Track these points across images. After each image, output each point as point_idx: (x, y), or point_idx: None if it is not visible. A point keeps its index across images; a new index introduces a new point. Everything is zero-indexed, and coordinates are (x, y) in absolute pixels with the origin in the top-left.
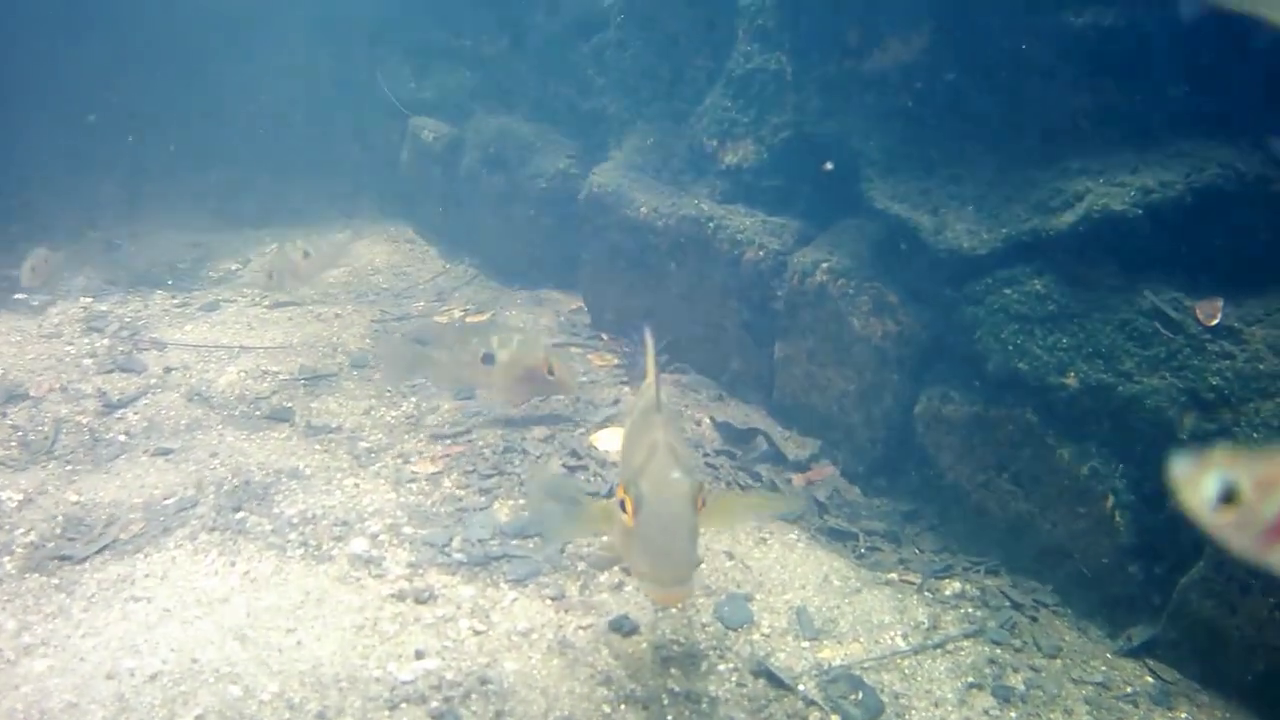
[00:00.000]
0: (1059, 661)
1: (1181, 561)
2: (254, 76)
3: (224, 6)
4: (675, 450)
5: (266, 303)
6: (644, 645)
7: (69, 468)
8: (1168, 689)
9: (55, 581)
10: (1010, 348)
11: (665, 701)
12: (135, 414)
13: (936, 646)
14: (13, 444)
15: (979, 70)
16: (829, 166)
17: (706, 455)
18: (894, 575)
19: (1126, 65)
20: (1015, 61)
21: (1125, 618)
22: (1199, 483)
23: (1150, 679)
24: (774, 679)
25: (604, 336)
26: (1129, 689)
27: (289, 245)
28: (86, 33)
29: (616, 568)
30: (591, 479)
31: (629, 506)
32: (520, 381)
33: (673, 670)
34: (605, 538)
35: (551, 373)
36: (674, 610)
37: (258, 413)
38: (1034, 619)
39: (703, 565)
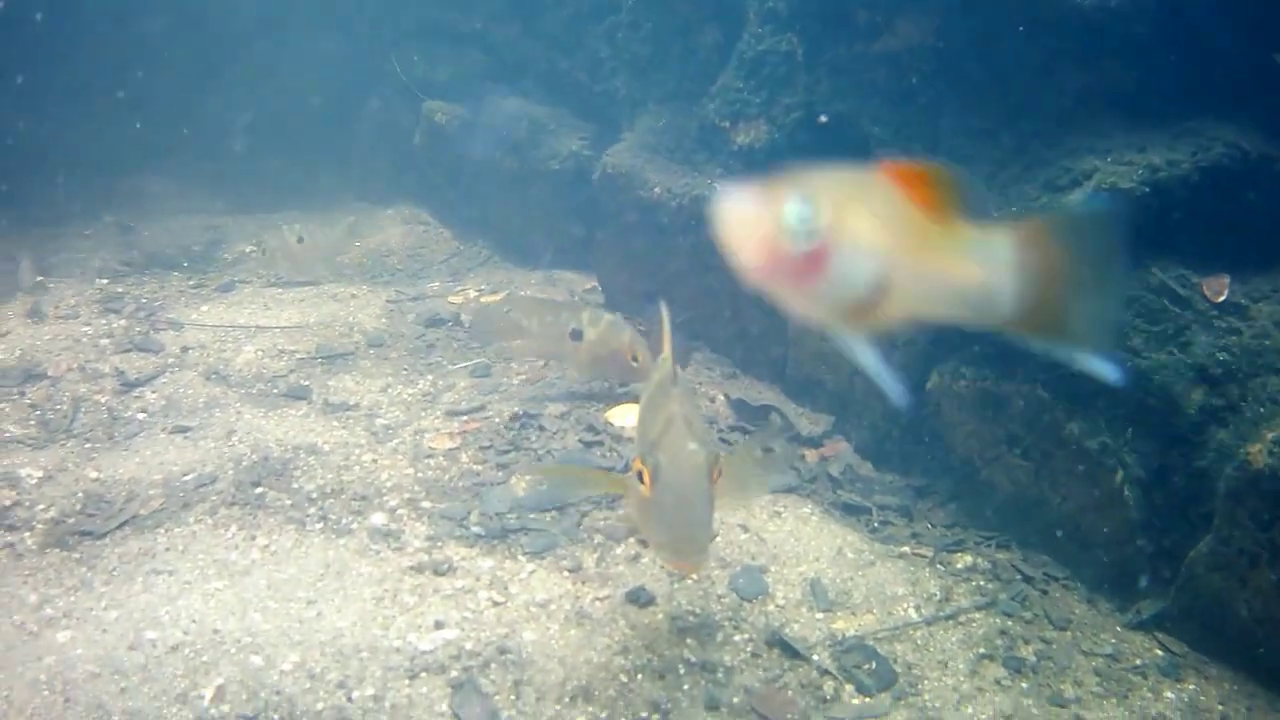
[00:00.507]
0: (1069, 634)
1: (1190, 535)
2: (267, 60)
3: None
4: (691, 422)
5: (263, 282)
6: (660, 616)
7: (88, 445)
8: (1177, 661)
9: (76, 556)
10: None
11: (681, 671)
12: (153, 393)
13: (949, 618)
14: (32, 422)
15: (988, 52)
16: (823, 119)
17: (721, 431)
18: (906, 549)
19: (1134, 45)
20: (1024, 42)
21: (1134, 591)
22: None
23: (1159, 651)
24: (788, 649)
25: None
26: (1138, 661)
27: (286, 229)
28: (98, 21)
29: (633, 539)
30: (607, 454)
31: (646, 477)
32: (602, 361)
33: (688, 640)
34: (622, 510)
35: (635, 359)
36: (690, 579)
37: (275, 391)
38: (1044, 592)
39: (718, 537)
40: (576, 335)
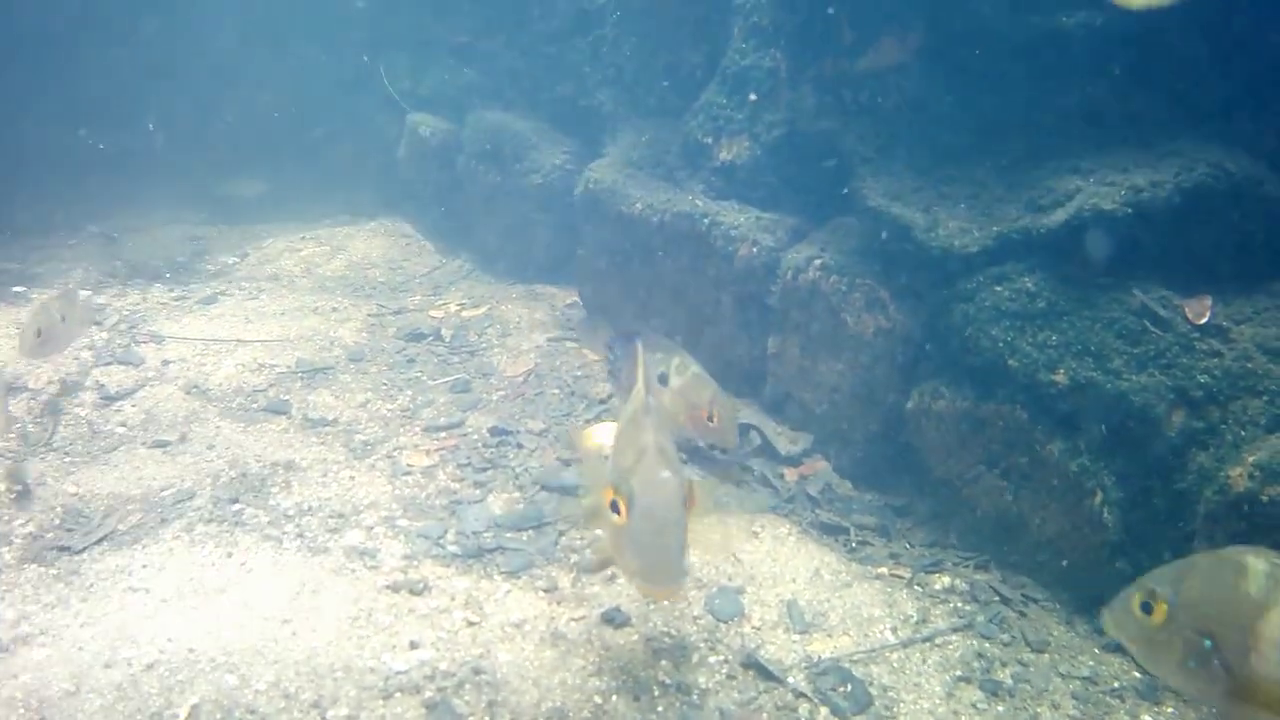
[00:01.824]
0: (1047, 656)
1: (1170, 557)
2: (252, 71)
3: (223, 3)
4: (664, 450)
5: (245, 295)
6: (635, 637)
7: (68, 459)
8: (1155, 684)
9: (54, 572)
10: (1001, 345)
11: (656, 693)
12: (133, 406)
13: (925, 640)
14: (11, 435)
15: (972, 70)
16: (830, 164)
17: (700, 448)
18: (884, 569)
19: (1117, 66)
20: (1007, 62)
21: None
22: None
23: (1138, 674)
24: (764, 671)
25: None
26: (1116, 684)
27: (53, 305)
28: (81, 30)
29: (608, 570)
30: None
31: (621, 506)
32: (679, 413)
33: (664, 662)
34: (594, 543)
35: (711, 419)
36: (665, 604)
37: (255, 405)
38: (1022, 614)
39: (693, 559)
40: (663, 379)
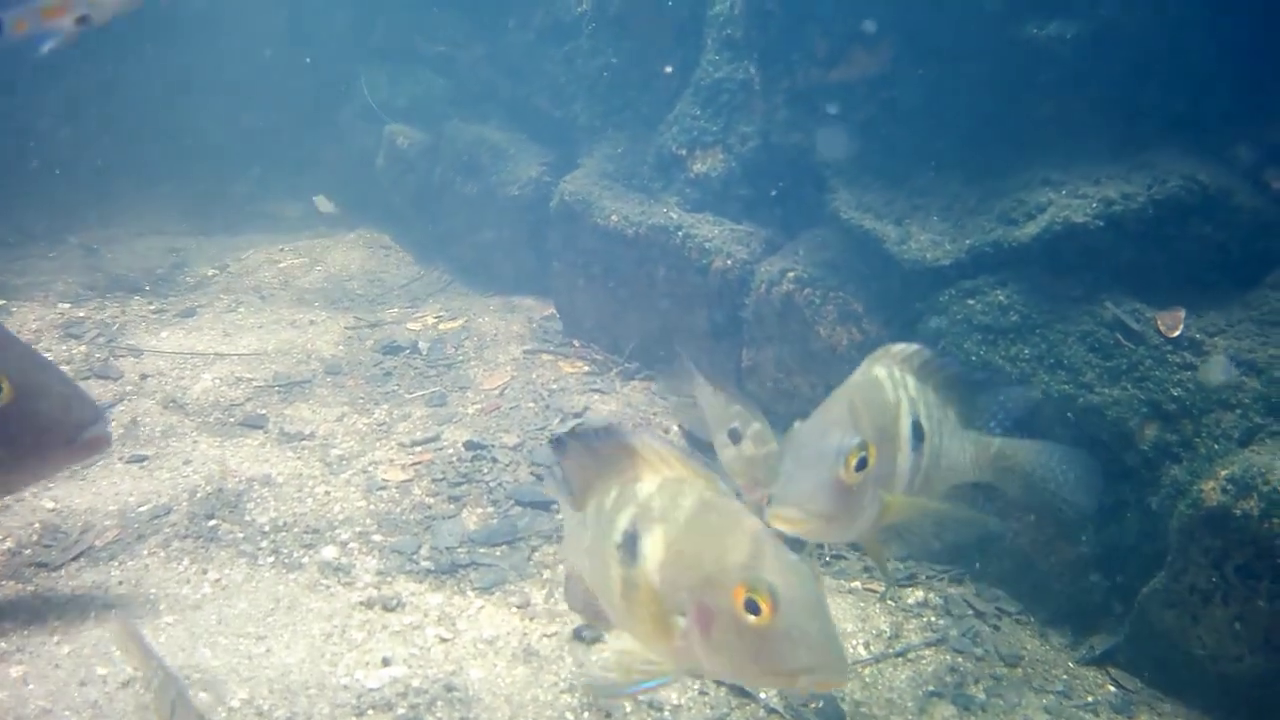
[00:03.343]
0: (1020, 670)
1: (1143, 571)
2: (231, 82)
3: (200, 11)
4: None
5: (224, 307)
6: (607, 653)
7: None
8: (1129, 697)
9: (31, 589)
10: (974, 358)
11: (628, 709)
12: (111, 421)
13: (898, 655)
14: None
15: (944, 82)
16: (804, 176)
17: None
18: (857, 583)
19: (1089, 78)
20: (979, 73)
21: (1087, 627)
22: None
23: (1112, 687)
24: (737, 687)
25: (575, 343)
26: (1090, 698)
27: None
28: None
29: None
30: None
31: (763, 604)
32: (740, 475)
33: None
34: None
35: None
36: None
37: (232, 420)
38: (996, 628)
39: None
40: (734, 436)
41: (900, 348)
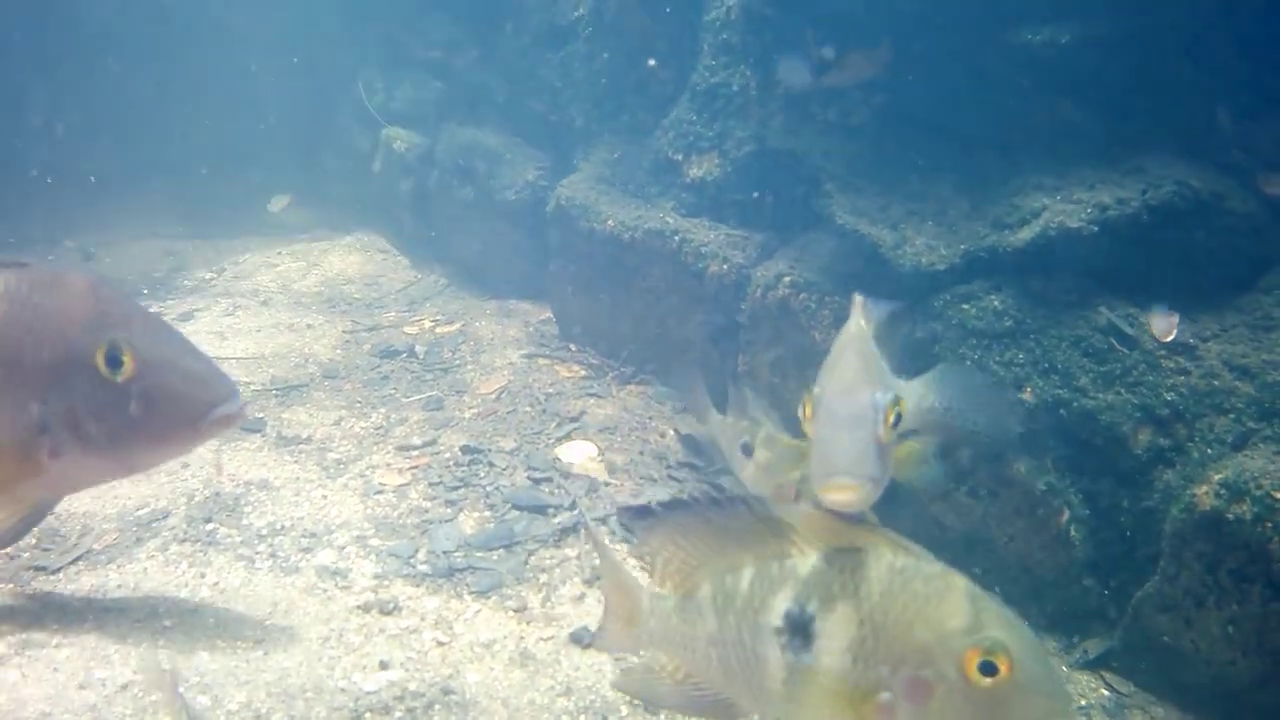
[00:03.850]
0: None
1: (1137, 575)
2: (227, 86)
3: (195, 14)
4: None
5: (221, 311)
6: (604, 656)
7: None
8: (1122, 701)
9: (30, 592)
10: (968, 363)
11: (624, 712)
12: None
13: None
14: None
15: (939, 87)
16: (799, 180)
17: (670, 468)
18: None
19: (1083, 82)
20: (974, 79)
21: (1081, 630)
22: None
23: (1105, 691)
24: None
25: (572, 347)
26: (1084, 701)
27: None
28: (56, 43)
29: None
30: (556, 490)
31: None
32: (763, 487)
33: None
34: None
35: (796, 498)
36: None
37: None
38: None
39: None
40: (746, 450)
41: (858, 298)
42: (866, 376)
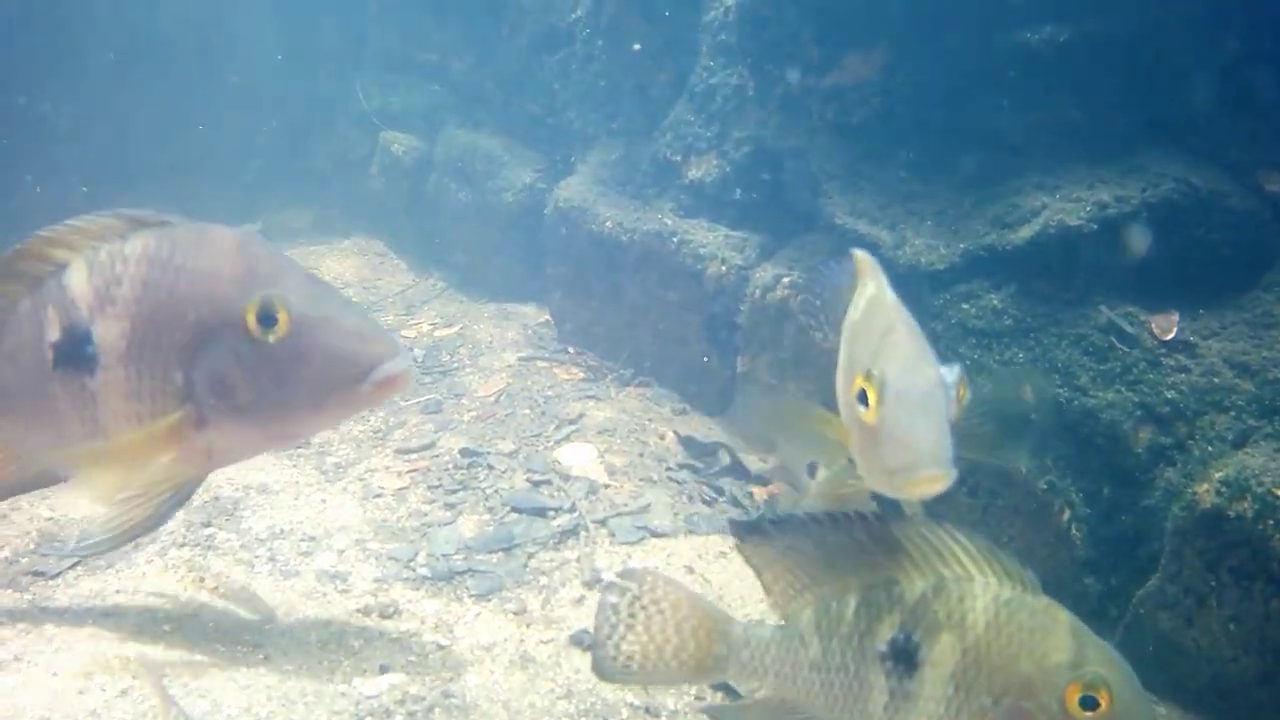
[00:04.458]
0: None
1: (1137, 574)
2: (223, 90)
3: (190, 19)
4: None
5: None
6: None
7: None
8: None
9: (29, 597)
10: (968, 362)
11: (624, 714)
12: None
13: None
14: None
15: (938, 87)
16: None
17: (670, 469)
18: None
19: (1083, 81)
20: (973, 78)
21: None
22: None
23: None
24: (733, 693)
25: (570, 350)
26: None
27: None
28: (53, 45)
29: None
30: (555, 493)
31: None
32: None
33: None
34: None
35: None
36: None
37: None
38: None
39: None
40: (811, 469)
41: (864, 256)
42: (926, 351)
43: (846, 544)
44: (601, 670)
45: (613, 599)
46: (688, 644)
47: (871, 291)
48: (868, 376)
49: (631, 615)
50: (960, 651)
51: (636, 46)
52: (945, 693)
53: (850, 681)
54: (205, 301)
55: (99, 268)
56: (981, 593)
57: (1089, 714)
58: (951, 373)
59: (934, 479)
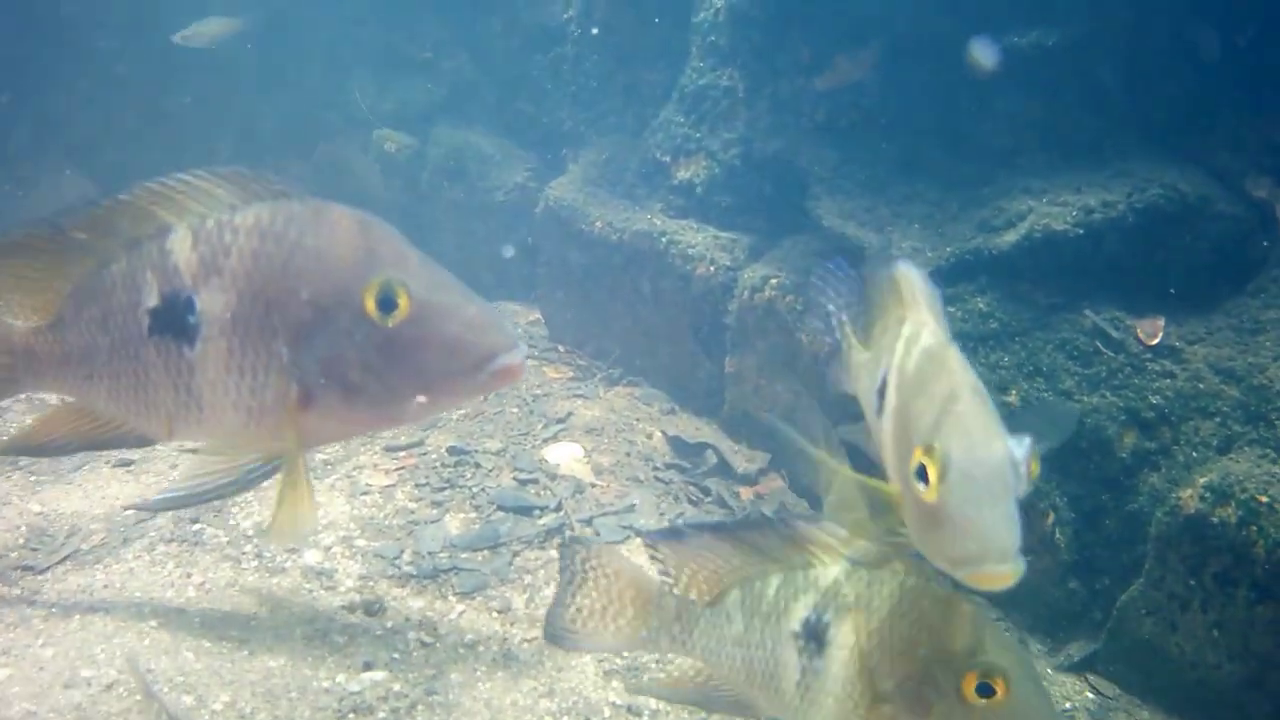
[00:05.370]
0: None
1: (1122, 578)
2: (218, 88)
3: (182, 14)
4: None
5: None
6: (586, 659)
7: (32, 478)
8: (1107, 705)
9: (17, 592)
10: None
11: (607, 714)
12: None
13: None
14: None
15: (926, 89)
16: (787, 183)
17: (657, 469)
18: None
19: (1070, 85)
20: (961, 81)
21: (1066, 633)
22: None
23: (1090, 694)
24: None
25: (559, 348)
26: (1068, 704)
27: None
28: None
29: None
30: (542, 492)
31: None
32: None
33: (614, 683)
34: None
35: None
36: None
37: None
38: None
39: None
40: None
41: (915, 274)
42: (995, 422)
43: (763, 540)
44: (547, 632)
45: (564, 561)
46: (625, 610)
47: (928, 343)
48: (928, 451)
49: (583, 578)
50: (865, 634)
51: (627, 47)
52: (850, 673)
53: (767, 658)
54: (320, 280)
55: (206, 236)
56: (889, 578)
57: (984, 702)
58: (1021, 446)
59: (1000, 577)
